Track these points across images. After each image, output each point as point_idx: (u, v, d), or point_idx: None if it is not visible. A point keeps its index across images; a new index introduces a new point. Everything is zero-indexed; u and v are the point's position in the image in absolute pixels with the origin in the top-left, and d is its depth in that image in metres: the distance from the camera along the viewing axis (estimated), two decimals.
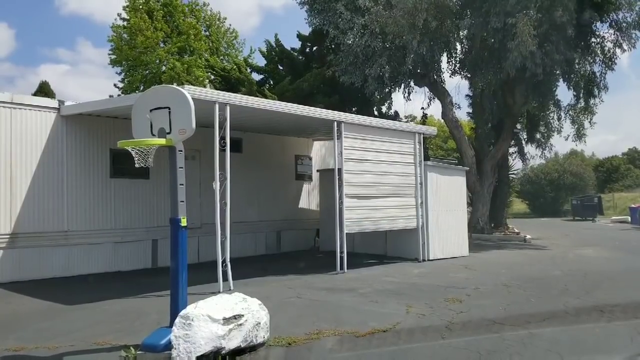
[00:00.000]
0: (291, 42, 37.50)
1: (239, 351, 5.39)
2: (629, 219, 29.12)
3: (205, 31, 34.17)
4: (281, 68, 22.84)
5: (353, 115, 13.22)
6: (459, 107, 22.09)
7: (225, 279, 8.97)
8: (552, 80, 18.59)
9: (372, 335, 6.29)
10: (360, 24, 18.01)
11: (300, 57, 22.70)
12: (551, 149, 22.68)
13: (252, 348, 5.57)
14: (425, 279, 10.54)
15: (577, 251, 15.86)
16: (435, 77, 20.18)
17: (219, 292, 8.25)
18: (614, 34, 18.11)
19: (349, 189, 11.41)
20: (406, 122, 22.34)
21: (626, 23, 17.45)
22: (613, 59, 18.51)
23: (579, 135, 19.72)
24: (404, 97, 20.78)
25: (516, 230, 21.32)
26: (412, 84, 20.59)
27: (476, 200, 20.06)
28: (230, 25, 35.54)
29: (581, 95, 19.10)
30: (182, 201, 5.83)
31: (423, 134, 13.64)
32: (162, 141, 5.72)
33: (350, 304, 8.20)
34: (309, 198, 16.37)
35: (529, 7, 15.55)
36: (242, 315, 5.42)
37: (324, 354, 5.77)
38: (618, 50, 18.21)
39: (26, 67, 75.85)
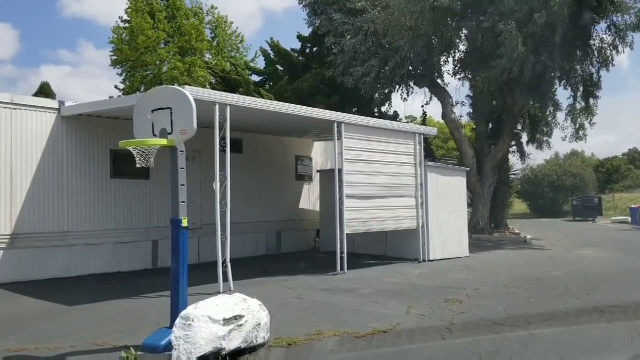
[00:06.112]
0: (292, 44, 37.59)
1: (239, 352, 5.39)
2: (629, 219, 29.14)
3: (210, 34, 34.23)
4: (281, 69, 22.87)
5: (353, 115, 13.23)
6: (463, 104, 21.99)
7: (225, 279, 8.97)
8: (550, 81, 18.63)
9: (372, 335, 6.29)
10: (356, 26, 18.11)
11: (300, 58, 22.73)
12: (550, 146, 22.69)
13: (252, 349, 5.57)
14: (426, 280, 10.54)
15: (577, 252, 15.87)
16: (435, 77, 20.19)
17: (219, 292, 8.24)
18: (611, 36, 18.19)
19: (349, 190, 11.41)
20: (406, 122, 22.35)
21: (624, 25, 17.49)
22: (610, 61, 18.62)
23: (578, 136, 19.75)
24: (401, 98, 20.88)
25: (516, 231, 21.32)
26: (411, 84, 20.63)
27: (476, 201, 20.05)
28: (237, 28, 35.60)
29: (578, 95, 19.17)
30: (183, 202, 5.83)
31: (423, 134, 13.65)
32: (164, 141, 5.72)
33: (351, 304, 8.20)
34: (309, 198, 16.37)
35: (522, 9, 15.57)
36: (242, 315, 5.42)
37: (324, 354, 5.77)
38: (615, 52, 18.33)
39: (28, 69, 76.09)
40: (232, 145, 9.59)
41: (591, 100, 19.39)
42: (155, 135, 5.82)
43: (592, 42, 18.54)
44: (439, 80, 20.61)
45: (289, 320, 7.01)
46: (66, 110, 10.82)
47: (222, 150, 9.16)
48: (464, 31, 18.44)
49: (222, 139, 9.14)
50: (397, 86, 20.22)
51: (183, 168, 5.84)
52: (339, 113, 11.94)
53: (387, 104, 21.72)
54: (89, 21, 74.70)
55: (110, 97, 26.55)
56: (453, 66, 20.58)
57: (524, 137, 22.77)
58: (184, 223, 5.81)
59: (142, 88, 29.67)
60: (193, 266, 7.44)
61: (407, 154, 12.91)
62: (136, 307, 7.98)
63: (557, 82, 19.31)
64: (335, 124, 11.41)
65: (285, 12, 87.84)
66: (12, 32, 77.53)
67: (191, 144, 6.07)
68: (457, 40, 19.12)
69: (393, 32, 17.07)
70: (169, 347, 5.12)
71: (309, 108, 11.63)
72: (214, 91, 10.00)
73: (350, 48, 18.25)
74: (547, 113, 20.59)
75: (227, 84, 21.38)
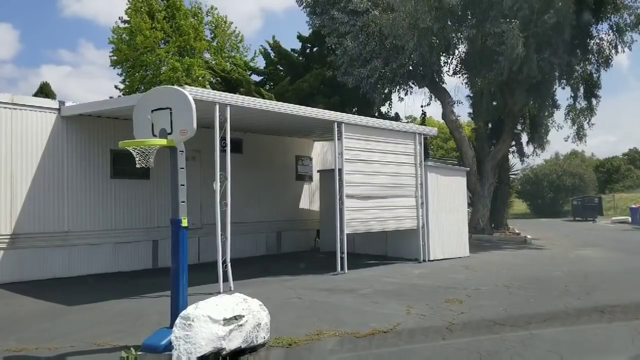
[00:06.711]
0: (293, 44, 37.57)
1: (239, 352, 5.39)
2: (630, 219, 29.15)
3: (210, 34, 34.24)
4: (281, 69, 22.88)
5: (353, 115, 13.22)
6: (462, 103, 22.08)
7: (225, 279, 8.96)
8: (550, 81, 18.63)
9: (372, 336, 6.29)
10: (358, 27, 18.11)
11: (300, 58, 22.74)
12: (545, 148, 22.64)
13: (252, 349, 5.57)
14: (426, 280, 10.54)
15: (578, 252, 15.86)
16: (435, 77, 20.19)
17: (220, 292, 8.24)
18: (612, 36, 18.20)
19: (349, 190, 11.41)
20: (406, 122, 22.34)
21: (624, 25, 17.49)
22: (610, 60, 18.64)
23: (579, 136, 19.75)
24: (399, 98, 20.91)
25: (516, 231, 21.31)
26: (411, 84, 20.62)
27: (476, 201, 20.04)
28: (236, 28, 35.54)
29: (578, 95, 19.18)
30: (183, 202, 5.84)
31: (423, 134, 13.64)
32: (164, 141, 5.72)
33: (351, 304, 8.19)
34: (309, 198, 16.37)
35: (523, 9, 15.56)
36: (243, 315, 5.42)
37: (325, 354, 5.77)
38: (615, 52, 18.36)
39: (28, 69, 76.16)
40: (233, 146, 9.58)
41: (594, 101, 19.44)
42: (155, 136, 5.83)
43: (592, 41, 18.57)
44: (439, 80, 20.60)
45: (290, 320, 7.01)
46: (66, 110, 10.82)
47: (223, 150, 9.16)
48: (465, 32, 18.44)
49: (223, 139, 9.14)
50: (398, 86, 20.23)
51: (183, 168, 5.84)
52: (338, 113, 11.95)
53: (387, 105, 21.74)
54: (89, 21, 74.85)
55: (110, 97, 26.56)
56: (454, 66, 20.62)
57: (524, 138, 22.79)
58: (184, 223, 5.81)
59: (142, 88, 29.67)
60: (193, 266, 7.44)
61: (407, 154, 12.91)
62: (136, 307, 7.98)
63: (557, 83, 19.33)
64: (336, 124, 11.41)
65: (285, 13, 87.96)
66: (12, 32, 77.74)
67: (191, 144, 6.07)
68: (457, 41, 19.12)
69: (399, 33, 17.02)
70: (169, 347, 5.12)
71: (309, 108, 11.63)
72: (214, 91, 10.00)
73: (355, 50, 18.24)
74: (546, 114, 20.57)
75: (228, 84, 21.38)
